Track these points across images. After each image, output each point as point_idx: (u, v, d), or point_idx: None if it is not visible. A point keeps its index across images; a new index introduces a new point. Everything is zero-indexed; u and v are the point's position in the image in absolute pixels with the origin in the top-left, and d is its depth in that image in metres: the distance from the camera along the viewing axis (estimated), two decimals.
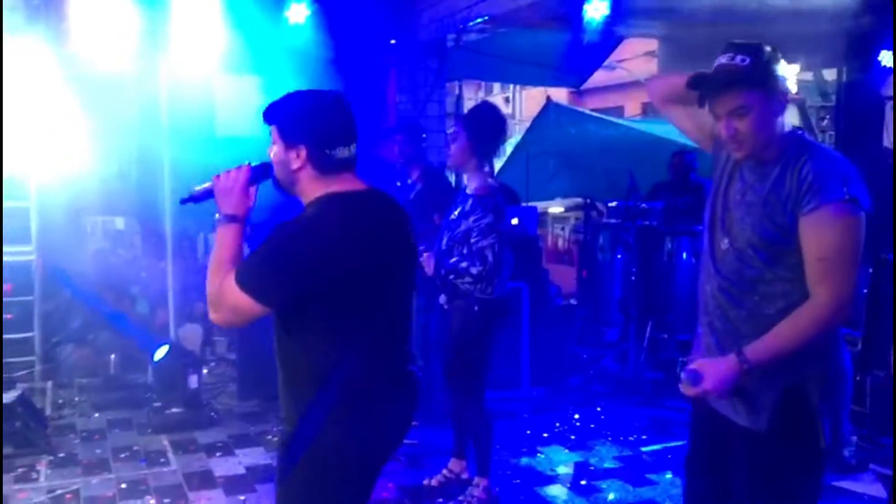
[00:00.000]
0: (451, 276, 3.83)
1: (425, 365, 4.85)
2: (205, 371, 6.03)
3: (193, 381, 5.34)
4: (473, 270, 3.75)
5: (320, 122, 2.16)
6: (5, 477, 4.46)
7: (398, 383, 2.27)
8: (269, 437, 5.07)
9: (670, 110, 2.53)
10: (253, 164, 2.23)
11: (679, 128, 2.57)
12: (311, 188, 2.18)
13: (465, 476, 4.24)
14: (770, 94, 2.16)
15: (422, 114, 6.41)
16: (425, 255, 3.90)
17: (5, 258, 5.93)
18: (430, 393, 4.90)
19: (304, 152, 2.15)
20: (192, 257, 11.79)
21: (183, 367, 5.35)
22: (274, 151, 2.21)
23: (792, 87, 2.20)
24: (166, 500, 4.18)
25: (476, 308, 3.82)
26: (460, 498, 4.00)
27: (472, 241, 3.75)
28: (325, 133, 2.16)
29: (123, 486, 4.36)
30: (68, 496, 4.22)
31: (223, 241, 2.17)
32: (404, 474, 4.48)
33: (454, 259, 3.82)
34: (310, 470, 2.13)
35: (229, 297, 2.08)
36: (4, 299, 5.96)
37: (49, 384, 5.89)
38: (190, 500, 4.18)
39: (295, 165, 2.16)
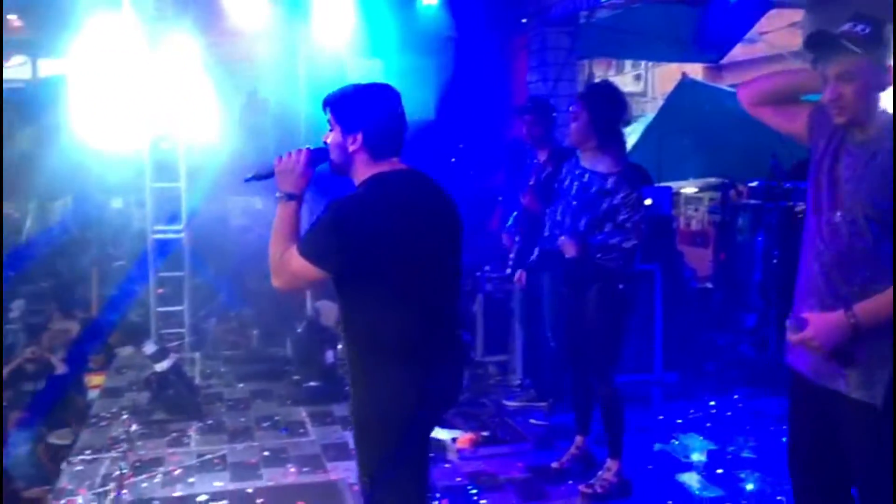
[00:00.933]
0: (600, 255, 3.79)
1: (558, 347, 4.82)
2: (339, 347, 6.22)
3: (330, 356, 5.53)
4: (627, 245, 3.74)
5: (376, 113, 2.43)
6: (160, 440, 4.79)
7: (447, 345, 2.48)
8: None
9: (761, 112, 2.61)
10: (311, 148, 2.48)
11: (772, 126, 2.63)
12: (363, 170, 2.45)
13: (588, 452, 4.22)
14: (879, 66, 2.23)
15: (553, 93, 6.32)
16: (562, 238, 3.87)
17: (159, 236, 6.32)
18: (560, 375, 4.88)
19: (360, 137, 2.41)
20: None
21: (320, 343, 5.55)
22: (331, 137, 2.47)
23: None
24: (305, 469, 4.36)
25: (621, 286, 3.82)
26: (591, 481, 3.96)
27: (623, 216, 3.75)
28: (379, 122, 2.43)
29: (266, 453, 4.58)
30: (216, 461, 4.48)
31: (283, 217, 2.43)
32: (533, 454, 4.49)
33: (601, 236, 3.78)
34: (378, 424, 2.39)
35: (292, 264, 2.34)
36: (159, 274, 6.35)
37: (197, 355, 6.27)
38: (328, 470, 4.34)
39: (351, 149, 2.43)
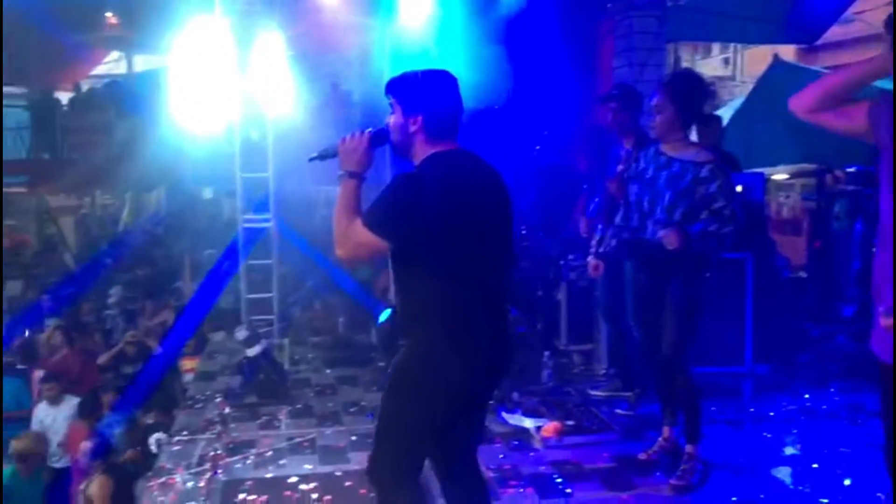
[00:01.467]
0: (698, 244, 3.74)
1: (641, 337, 4.73)
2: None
3: None
4: (725, 231, 3.71)
5: (435, 97, 2.62)
6: (252, 423, 4.94)
7: (494, 317, 2.64)
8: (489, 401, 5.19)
9: (819, 118, 2.57)
10: (373, 130, 2.65)
11: (833, 129, 2.59)
12: (422, 150, 2.63)
13: (676, 443, 4.14)
14: None
15: (639, 79, 6.18)
16: (663, 232, 3.80)
17: (248, 225, 6.49)
18: (645, 365, 4.80)
19: (420, 120, 2.59)
20: None
21: None
22: (393, 119, 2.64)
23: None
24: None
25: (707, 275, 3.79)
26: (678, 473, 3.89)
27: (720, 204, 3.71)
28: (438, 105, 2.61)
29: (353, 438, 4.66)
30: (305, 444, 4.58)
31: (347, 193, 2.62)
32: (620, 445, 4.43)
33: (699, 225, 3.73)
34: (415, 379, 2.57)
35: (356, 235, 2.54)
36: (249, 262, 6.53)
37: (286, 341, 6.41)
38: None
39: (412, 130, 2.61)
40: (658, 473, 4.02)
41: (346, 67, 10.03)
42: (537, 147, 5.47)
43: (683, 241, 3.72)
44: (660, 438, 4.22)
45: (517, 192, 6.32)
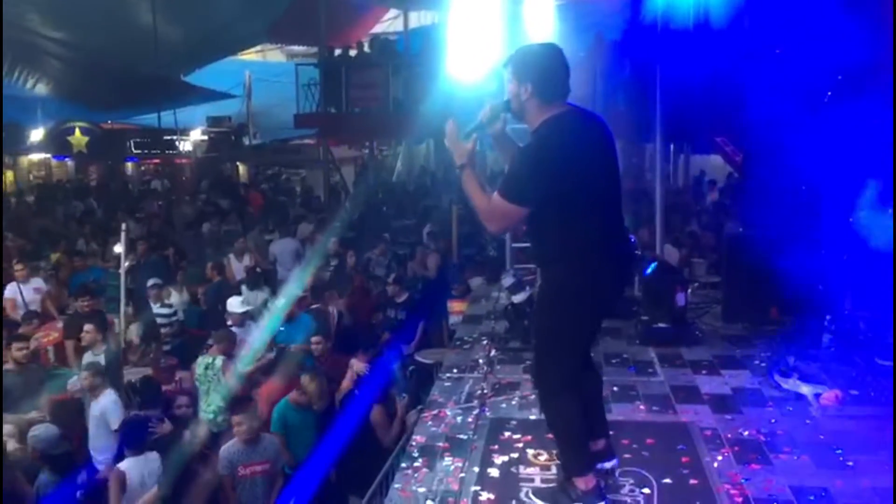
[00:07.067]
0: None
1: None
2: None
3: (680, 299, 5.44)
4: None
5: (541, 65, 3.04)
6: (516, 367, 5.11)
7: (611, 243, 3.09)
8: (757, 361, 4.96)
9: None
10: (495, 102, 3.14)
11: None
12: (537, 115, 3.05)
13: None
14: None
15: None
16: None
17: None
18: None
19: (530, 87, 3.01)
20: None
21: (670, 285, 5.48)
22: (510, 88, 3.07)
23: None
24: (655, 408, 4.38)
25: None
26: None
27: None
28: (545, 72, 3.02)
29: (615, 388, 4.66)
30: None
31: (470, 181, 3.07)
32: None
33: None
34: (550, 298, 3.16)
35: (499, 208, 3.00)
36: None
37: None
38: (678, 412, 4.32)
39: (524, 97, 3.03)
40: None
41: (611, 17, 9.81)
42: (829, 93, 4.99)
43: None
44: None
45: (796, 144, 5.79)
